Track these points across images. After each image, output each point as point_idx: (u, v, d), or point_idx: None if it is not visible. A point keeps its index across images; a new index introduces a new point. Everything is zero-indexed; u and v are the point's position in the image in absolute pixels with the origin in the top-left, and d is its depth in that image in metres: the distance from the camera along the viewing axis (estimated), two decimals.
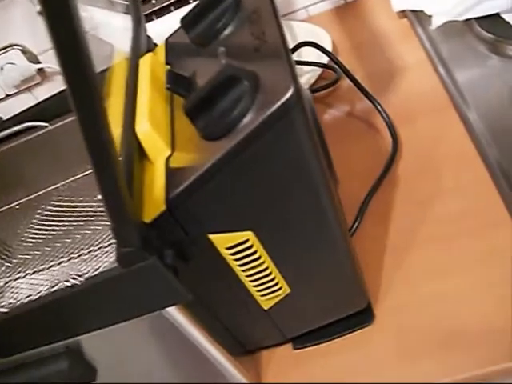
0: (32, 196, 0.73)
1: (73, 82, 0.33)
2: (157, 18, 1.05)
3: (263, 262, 0.52)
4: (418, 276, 0.66)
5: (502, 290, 0.61)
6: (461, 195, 0.70)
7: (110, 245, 0.60)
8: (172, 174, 0.47)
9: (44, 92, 1.09)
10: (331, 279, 0.58)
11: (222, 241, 0.49)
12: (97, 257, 0.60)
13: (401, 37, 0.97)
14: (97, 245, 0.61)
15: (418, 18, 0.96)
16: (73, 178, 0.73)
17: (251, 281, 0.53)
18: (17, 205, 0.74)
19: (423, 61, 0.90)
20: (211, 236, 0.48)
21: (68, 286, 0.51)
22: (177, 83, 0.52)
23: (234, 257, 0.50)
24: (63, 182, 0.73)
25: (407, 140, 0.80)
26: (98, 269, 0.58)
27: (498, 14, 0.86)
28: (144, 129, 0.49)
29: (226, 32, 0.54)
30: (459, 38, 0.89)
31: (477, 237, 0.66)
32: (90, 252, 0.61)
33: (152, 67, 0.56)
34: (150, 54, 0.58)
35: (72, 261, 0.61)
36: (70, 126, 0.71)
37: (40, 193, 0.73)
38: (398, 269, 0.67)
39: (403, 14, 1.00)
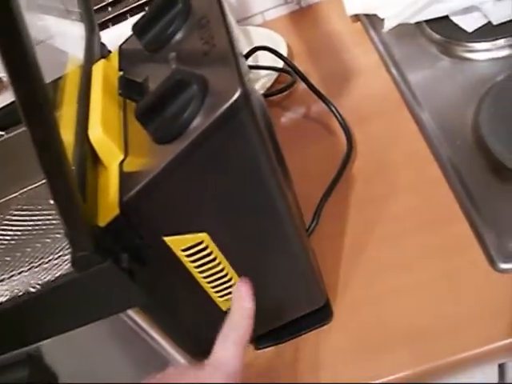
0: None
1: (21, 93, 0.34)
2: (113, 25, 1.04)
3: (219, 263, 0.52)
4: (375, 273, 0.67)
5: (458, 284, 0.63)
6: (414, 193, 0.72)
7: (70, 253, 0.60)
8: (125, 178, 0.47)
9: (1, 101, 1.08)
10: (288, 278, 0.59)
11: (177, 243, 0.49)
12: (57, 265, 0.60)
13: (354, 40, 0.98)
14: (57, 253, 0.61)
15: (371, 21, 0.98)
16: (31, 187, 0.72)
17: (208, 282, 0.54)
18: None
19: (376, 63, 0.91)
20: (166, 238, 0.48)
21: (25, 294, 0.51)
22: (129, 89, 0.53)
23: (189, 258, 0.51)
24: (21, 191, 0.72)
25: (362, 141, 0.82)
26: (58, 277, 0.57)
27: (447, 17, 0.89)
28: (96, 134, 0.49)
29: (177, 37, 0.54)
30: (411, 40, 0.91)
31: (431, 232, 0.68)
32: (50, 261, 0.61)
33: (105, 74, 0.56)
34: (102, 61, 0.58)
35: (32, 270, 0.61)
36: (27, 134, 0.71)
37: None
38: (356, 266, 0.69)
39: (356, 17, 1.01)
